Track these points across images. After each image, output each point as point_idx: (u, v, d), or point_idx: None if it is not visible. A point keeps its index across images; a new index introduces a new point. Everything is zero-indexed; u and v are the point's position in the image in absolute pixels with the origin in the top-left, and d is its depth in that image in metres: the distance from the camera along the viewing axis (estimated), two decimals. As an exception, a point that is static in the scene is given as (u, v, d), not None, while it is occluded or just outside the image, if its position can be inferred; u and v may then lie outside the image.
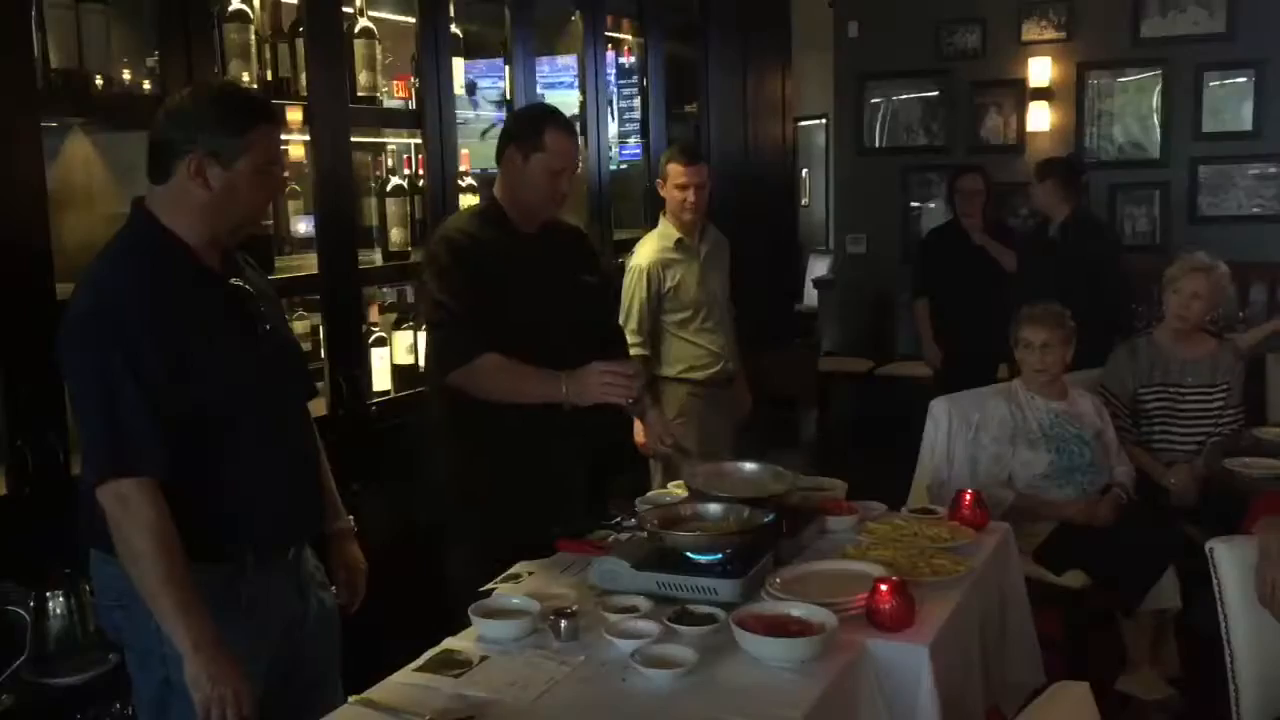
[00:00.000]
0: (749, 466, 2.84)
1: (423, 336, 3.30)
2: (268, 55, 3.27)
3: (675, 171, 4.04)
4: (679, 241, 4.09)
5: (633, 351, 3.94)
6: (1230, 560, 2.49)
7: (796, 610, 2.17)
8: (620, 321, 4.00)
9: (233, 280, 2.16)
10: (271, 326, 2.21)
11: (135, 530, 1.96)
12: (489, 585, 2.46)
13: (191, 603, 1.96)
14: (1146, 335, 4.15)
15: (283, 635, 2.20)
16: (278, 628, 2.19)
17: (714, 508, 2.56)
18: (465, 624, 2.23)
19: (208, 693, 1.95)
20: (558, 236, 3.03)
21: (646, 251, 4.10)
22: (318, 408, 3.07)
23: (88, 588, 2.44)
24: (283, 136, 3.41)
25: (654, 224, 4.60)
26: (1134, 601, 3.52)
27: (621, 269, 4.25)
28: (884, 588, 2.19)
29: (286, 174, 3.48)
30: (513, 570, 2.55)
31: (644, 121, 5.15)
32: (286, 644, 2.21)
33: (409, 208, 3.71)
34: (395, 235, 3.65)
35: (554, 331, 2.85)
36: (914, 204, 7.65)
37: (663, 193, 4.12)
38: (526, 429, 2.80)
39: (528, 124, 2.91)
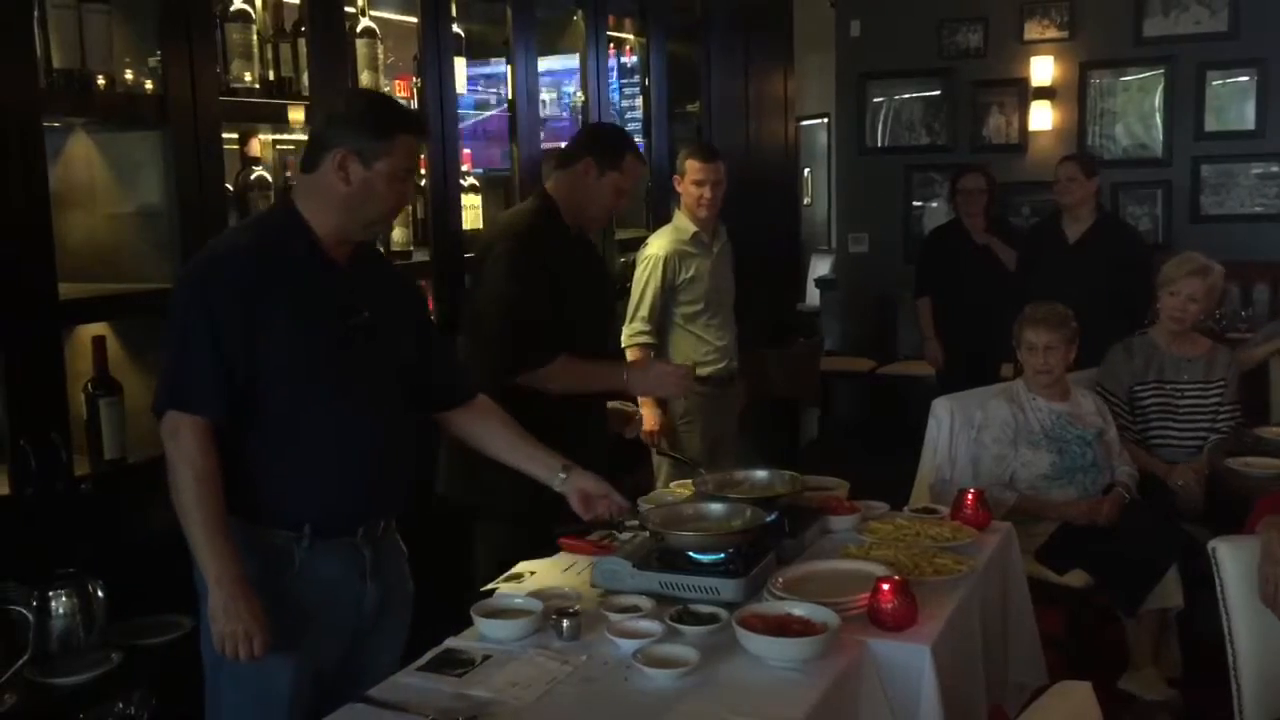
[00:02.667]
0: (760, 474, 2.84)
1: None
2: (270, 55, 3.27)
3: (693, 168, 4.11)
4: (695, 235, 4.13)
5: (640, 341, 3.99)
6: (1232, 560, 2.48)
7: (799, 610, 2.17)
8: (630, 311, 4.05)
9: (350, 272, 2.27)
10: (373, 322, 2.27)
11: (179, 463, 2.12)
12: (491, 585, 2.46)
13: (219, 540, 2.11)
14: (1142, 334, 4.15)
15: (342, 612, 2.28)
16: (337, 602, 2.26)
17: (716, 507, 2.56)
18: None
19: (222, 627, 2.09)
20: (585, 238, 3.25)
21: (663, 242, 4.12)
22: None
23: (93, 588, 2.46)
24: (285, 137, 3.46)
25: (655, 222, 4.62)
26: (1136, 601, 3.52)
27: (627, 267, 4.25)
28: (886, 587, 2.19)
29: (289, 177, 3.51)
30: (515, 569, 2.55)
31: (646, 121, 5.15)
32: (351, 620, 2.29)
33: (410, 207, 3.71)
34: (397, 235, 3.65)
35: (596, 324, 3.15)
36: (916, 203, 7.65)
37: (679, 188, 4.18)
38: (561, 420, 2.83)
39: (612, 144, 3.17)
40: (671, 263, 4.06)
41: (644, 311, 4.03)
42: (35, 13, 2.59)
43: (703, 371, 4.13)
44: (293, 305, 2.17)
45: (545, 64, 4.51)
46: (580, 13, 4.63)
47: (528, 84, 4.22)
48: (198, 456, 2.11)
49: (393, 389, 2.34)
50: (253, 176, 3.19)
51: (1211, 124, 6.86)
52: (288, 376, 2.17)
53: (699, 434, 4.09)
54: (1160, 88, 6.95)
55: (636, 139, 5.13)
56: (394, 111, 2.34)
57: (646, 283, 4.06)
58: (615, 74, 5.02)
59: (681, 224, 4.17)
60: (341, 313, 2.24)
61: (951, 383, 4.97)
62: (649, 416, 3.91)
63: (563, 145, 3.52)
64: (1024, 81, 7.18)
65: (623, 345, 4.00)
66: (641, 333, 4.01)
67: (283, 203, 2.29)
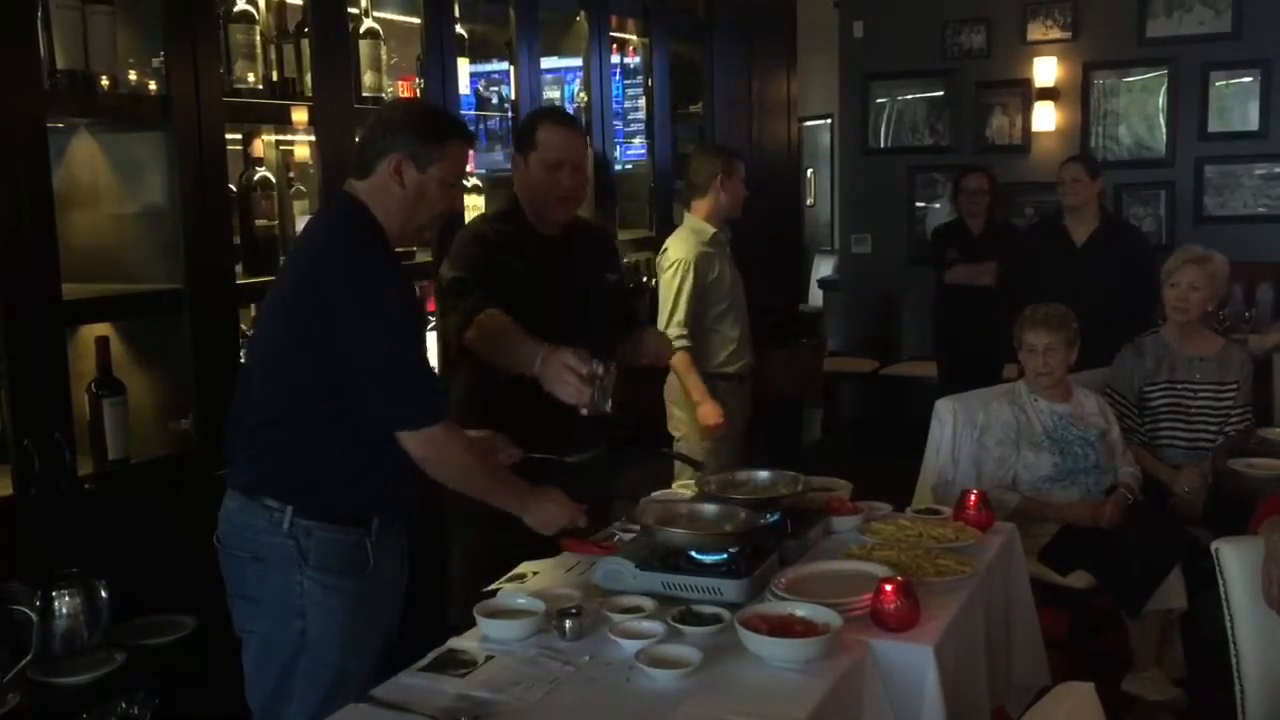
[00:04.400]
0: (762, 474, 2.84)
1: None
2: (273, 56, 3.28)
3: (739, 169, 4.22)
4: (714, 235, 4.18)
5: (680, 345, 3.96)
6: (1236, 561, 2.48)
7: (801, 610, 2.17)
8: (664, 318, 4.04)
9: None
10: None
11: (449, 463, 2.29)
12: (494, 585, 2.46)
13: (513, 484, 2.40)
14: (1153, 334, 4.14)
15: (395, 603, 2.42)
16: (393, 588, 2.40)
17: (718, 508, 2.56)
18: (465, 624, 2.23)
19: (554, 518, 2.40)
20: (581, 238, 3.05)
21: (687, 245, 4.13)
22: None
23: (96, 588, 2.46)
24: (288, 137, 3.47)
25: (659, 222, 4.62)
26: (1139, 603, 3.51)
27: (631, 268, 4.26)
28: (889, 588, 2.19)
29: (291, 177, 3.51)
30: (518, 570, 2.55)
31: (649, 122, 5.16)
32: (399, 609, 2.44)
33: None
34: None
35: (574, 331, 2.78)
36: (919, 204, 7.64)
37: (724, 189, 4.22)
38: (538, 437, 2.66)
39: (524, 127, 3.00)
40: (702, 265, 4.08)
41: (680, 316, 4.03)
42: (39, 13, 2.60)
43: (731, 369, 4.18)
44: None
45: (548, 64, 4.52)
46: (583, 13, 4.63)
47: (531, 85, 4.22)
48: (462, 450, 2.31)
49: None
50: (256, 177, 3.20)
51: (1215, 125, 6.85)
52: None
53: (728, 430, 4.09)
54: (1163, 88, 6.95)
55: (639, 139, 5.19)
56: (447, 118, 2.46)
57: (680, 288, 4.04)
58: (618, 75, 5.02)
59: (698, 225, 4.19)
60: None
61: (954, 383, 4.97)
62: (711, 411, 3.96)
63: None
64: (1027, 82, 7.17)
65: None
66: (680, 337, 3.98)
67: (353, 206, 2.32)
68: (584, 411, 2.51)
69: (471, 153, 3.97)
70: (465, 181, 3.92)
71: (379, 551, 2.31)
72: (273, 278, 2.59)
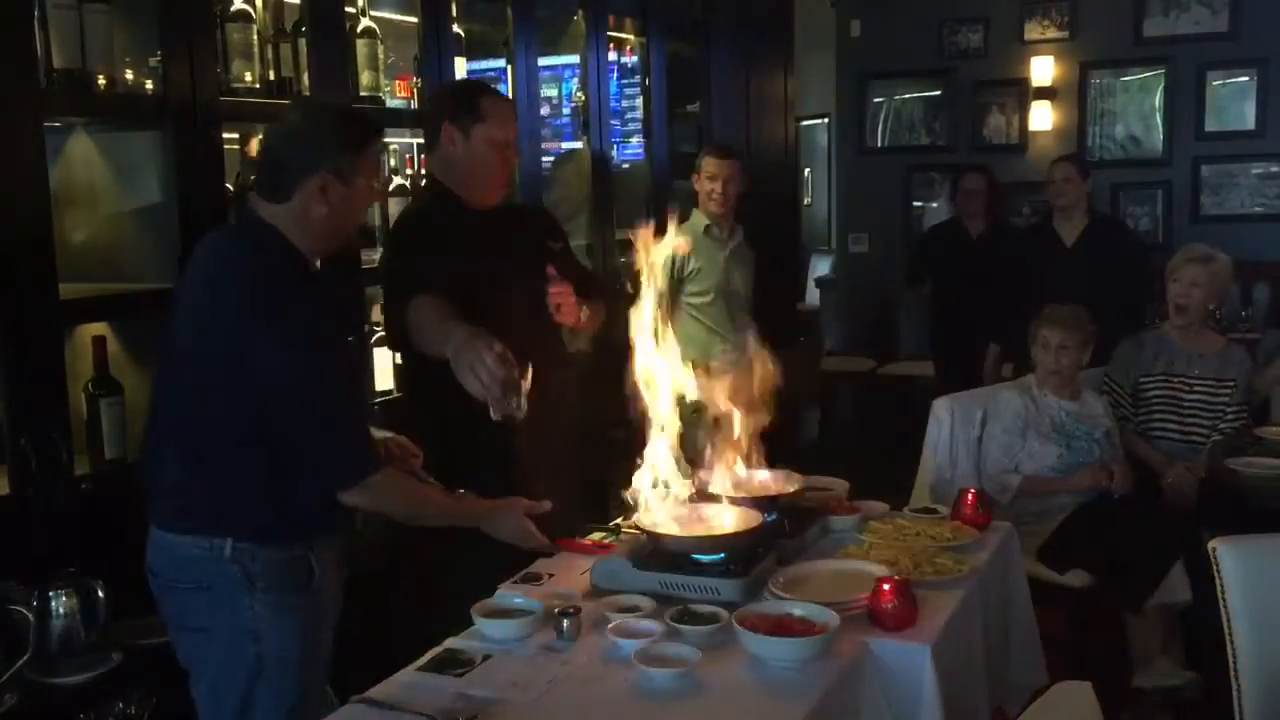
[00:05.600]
0: (760, 473, 2.83)
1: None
2: (270, 55, 3.27)
3: (708, 164, 4.41)
4: (707, 228, 4.38)
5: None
6: (1234, 561, 2.48)
7: (799, 610, 2.16)
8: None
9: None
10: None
11: (390, 510, 2.26)
12: (509, 581, 2.44)
13: (462, 506, 2.35)
14: (1156, 329, 4.18)
15: (337, 607, 2.36)
16: (336, 588, 2.34)
17: (716, 507, 2.55)
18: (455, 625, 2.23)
19: (514, 533, 2.37)
20: (516, 213, 2.97)
21: (677, 233, 4.23)
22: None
23: (93, 588, 2.45)
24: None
25: (658, 221, 4.62)
26: (1142, 597, 3.52)
27: (628, 267, 4.26)
28: (886, 587, 2.19)
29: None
30: (530, 570, 2.53)
31: (646, 121, 5.16)
32: (340, 609, 2.38)
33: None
34: (398, 235, 3.64)
35: (518, 301, 2.70)
36: (916, 203, 7.66)
37: (696, 186, 4.44)
38: (498, 446, 2.57)
39: (460, 97, 2.78)
40: (680, 255, 4.24)
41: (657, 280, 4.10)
42: (36, 12, 2.59)
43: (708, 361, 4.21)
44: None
45: (545, 63, 4.52)
46: (580, 12, 4.63)
47: (528, 84, 4.22)
48: (404, 495, 2.26)
49: None
50: (253, 176, 3.19)
51: (1212, 124, 6.87)
52: None
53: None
54: (1160, 88, 6.96)
55: (636, 139, 5.19)
56: (362, 120, 2.30)
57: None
58: (615, 74, 5.02)
59: (695, 219, 4.42)
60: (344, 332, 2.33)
61: (952, 382, 4.97)
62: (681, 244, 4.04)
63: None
64: (1024, 82, 7.18)
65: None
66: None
67: (266, 234, 2.16)
68: (494, 415, 2.26)
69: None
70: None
71: (322, 560, 2.25)
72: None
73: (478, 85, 2.89)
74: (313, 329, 2.12)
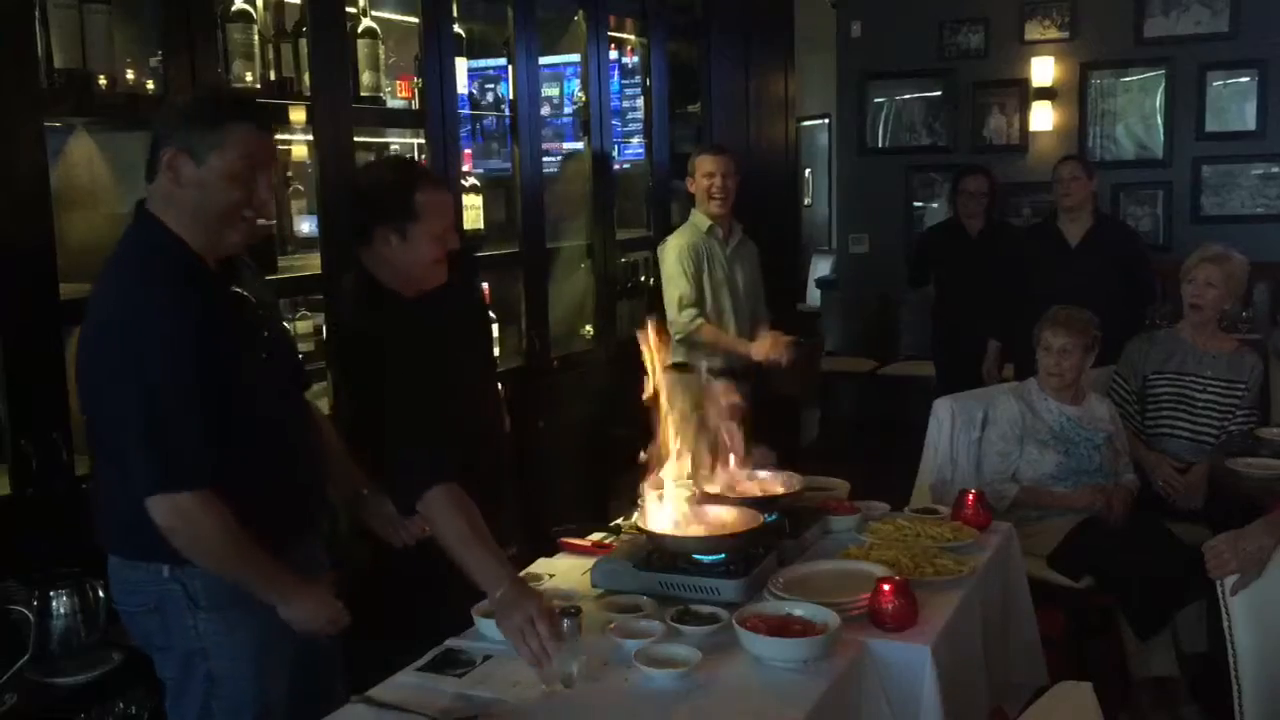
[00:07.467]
0: (760, 474, 2.84)
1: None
2: (271, 55, 3.27)
3: (704, 162, 4.31)
4: (711, 229, 4.30)
5: (694, 322, 4.14)
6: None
7: (799, 610, 2.17)
8: (675, 303, 4.16)
9: (233, 288, 2.16)
10: (271, 332, 2.23)
11: (199, 537, 2.02)
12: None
13: (271, 575, 2.10)
14: (1169, 329, 4.18)
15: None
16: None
17: (716, 508, 2.56)
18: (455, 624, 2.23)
19: (311, 616, 2.14)
20: (450, 292, 2.65)
21: (684, 234, 4.29)
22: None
23: (93, 588, 2.45)
24: (286, 137, 3.45)
25: (656, 222, 4.63)
26: (1152, 629, 3.44)
27: (628, 269, 4.27)
28: (887, 588, 2.20)
29: (290, 176, 3.49)
30: (532, 569, 2.54)
31: (647, 121, 5.16)
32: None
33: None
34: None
35: (470, 372, 2.72)
36: (917, 204, 7.65)
37: (692, 189, 4.35)
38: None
39: (391, 197, 2.50)
40: (697, 249, 4.22)
41: (687, 292, 4.14)
42: (36, 12, 2.59)
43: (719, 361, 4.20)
44: (223, 337, 2.07)
45: (546, 63, 4.52)
46: (581, 13, 4.63)
47: (529, 84, 4.22)
48: (218, 526, 2.02)
49: (300, 388, 2.39)
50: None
51: (1212, 124, 6.86)
52: (241, 405, 2.08)
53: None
54: (1161, 88, 6.95)
55: (637, 139, 5.19)
56: (223, 99, 2.18)
57: (679, 270, 4.17)
58: (616, 74, 5.02)
59: (697, 220, 4.33)
60: (246, 330, 2.16)
61: (952, 383, 4.97)
62: (759, 348, 4.13)
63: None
64: (1024, 82, 7.18)
65: (677, 336, 4.09)
66: (691, 311, 4.14)
67: (146, 223, 2.08)
68: (543, 684, 2.01)
69: (468, 152, 3.99)
70: (464, 181, 3.93)
71: (291, 560, 2.17)
72: (272, 277, 2.57)
73: (408, 177, 2.53)
74: (164, 313, 1.99)
